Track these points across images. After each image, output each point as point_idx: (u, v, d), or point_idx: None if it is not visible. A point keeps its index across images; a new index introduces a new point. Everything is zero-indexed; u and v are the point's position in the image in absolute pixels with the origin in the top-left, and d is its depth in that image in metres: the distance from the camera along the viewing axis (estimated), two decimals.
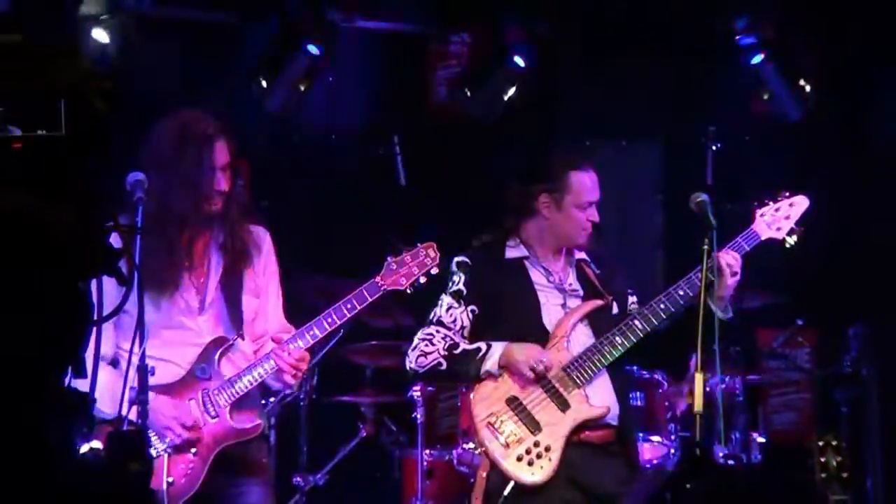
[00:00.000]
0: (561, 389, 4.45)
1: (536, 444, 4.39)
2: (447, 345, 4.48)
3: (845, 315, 6.53)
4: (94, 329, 2.96)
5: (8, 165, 2.55)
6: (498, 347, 4.45)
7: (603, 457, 4.48)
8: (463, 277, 4.56)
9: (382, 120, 7.23)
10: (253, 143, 4.47)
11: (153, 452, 4.08)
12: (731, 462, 6.08)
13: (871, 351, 6.41)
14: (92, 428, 2.93)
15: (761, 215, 4.68)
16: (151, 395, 4.01)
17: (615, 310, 4.63)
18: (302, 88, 6.94)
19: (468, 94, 7.19)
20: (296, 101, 6.95)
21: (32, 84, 2.56)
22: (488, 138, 7.24)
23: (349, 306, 4.25)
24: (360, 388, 6.66)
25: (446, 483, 6.11)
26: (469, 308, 4.55)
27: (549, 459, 4.38)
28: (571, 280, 4.65)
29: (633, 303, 4.69)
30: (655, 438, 5.88)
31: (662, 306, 4.52)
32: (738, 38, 7.05)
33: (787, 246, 4.66)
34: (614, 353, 4.48)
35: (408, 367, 4.57)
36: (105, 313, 2.95)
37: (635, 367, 5.78)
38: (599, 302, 4.59)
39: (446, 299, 4.56)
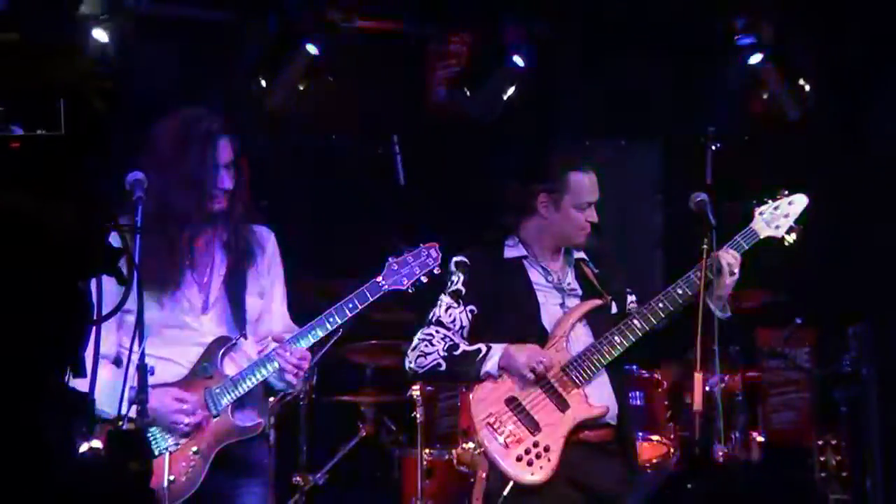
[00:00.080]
0: (560, 389, 4.45)
1: (536, 445, 4.40)
2: (447, 345, 4.49)
3: (845, 314, 6.54)
4: (94, 328, 2.96)
5: (7, 165, 2.55)
6: (498, 349, 4.45)
7: (602, 456, 4.48)
8: (462, 277, 4.56)
9: (382, 120, 7.24)
10: (252, 143, 4.47)
11: (157, 451, 4.08)
12: (730, 460, 6.09)
13: (871, 350, 6.42)
14: (92, 428, 2.93)
15: (760, 214, 4.68)
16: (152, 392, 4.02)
17: (614, 309, 4.63)
18: (301, 88, 6.94)
19: (467, 93, 7.19)
20: (295, 101, 6.95)
21: (30, 83, 2.56)
22: (487, 138, 7.24)
23: (350, 306, 4.25)
24: (360, 387, 6.67)
25: (446, 482, 6.11)
26: (468, 308, 4.55)
27: (549, 459, 4.38)
28: (570, 279, 4.65)
29: (631, 302, 4.70)
30: (655, 438, 5.88)
31: (661, 306, 4.52)
32: (737, 37, 7.05)
33: (787, 244, 4.67)
34: (613, 352, 4.49)
35: (407, 367, 4.58)
36: (107, 312, 2.95)
37: (635, 367, 5.78)
38: (598, 301, 4.59)
39: (445, 299, 4.56)
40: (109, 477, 2.90)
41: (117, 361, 4.09)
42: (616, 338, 4.49)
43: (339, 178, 7.20)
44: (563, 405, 4.44)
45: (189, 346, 4.19)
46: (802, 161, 7.00)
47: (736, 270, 4.49)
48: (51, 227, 2.55)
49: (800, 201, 4.70)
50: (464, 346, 4.49)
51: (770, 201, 4.70)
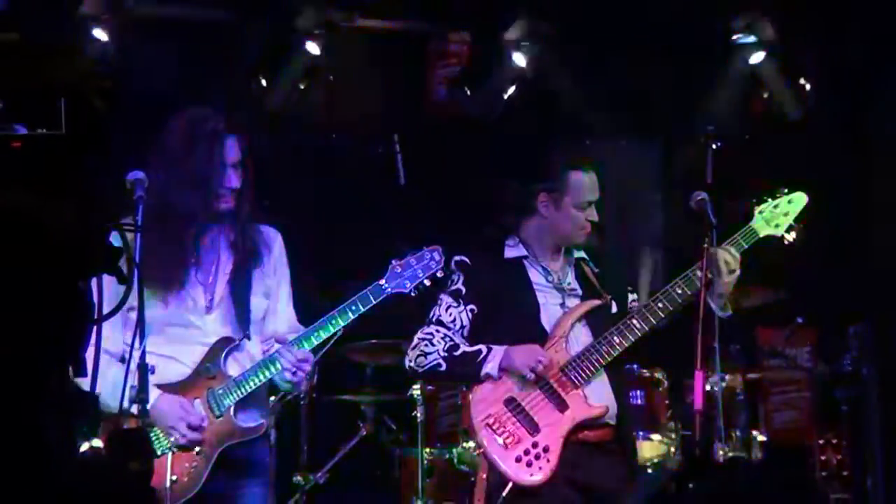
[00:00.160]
0: (559, 390, 4.45)
1: (535, 445, 4.39)
2: (447, 345, 4.48)
3: (845, 314, 6.54)
4: (95, 327, 2.96)
5: (7, 164, 2.55)
6: (498, 351, 4.45)
7: (601, 456, 4.48)
8: (462, 277, 4.56)
9: (382, 119, 7.24)
10: (252, 142, 4.48)
11: (158, 450, 4.08)
12: (732, 460, 6.09)
13: (872, 350, 6.42)
14: (95, 427, 2.93)
15: (760, 212, 4.68)
16: (156, 393, 4.02)
17: (614, 309, 4.63)
18: (301, 87, 6.94)
19: (468, 93, 7.19)
20: (295, 100, 6.95)
21: (31, 83, 2.56)
22: (488, 137, 7.24)
23: (353, 308, 4.26)
24: (361, 386, 6.67)
25: (446, 481, 6.11)
26: (468, 307, 4.55)
27: (548, 460, 4.38)
28: (570, 279, 4.65)
29: (633, 301, 4.69)
30: (655, 437, 5.89)
31: (661, 305, 4.52)
32: (737, 37, 7.05)
33: (786, 243, 4.66)
34: (612, 352, 4.48)
35: (407, 366, 4.57)
36: (108, 311, 2.96)
37: (635, 366, 5.79)
38: (598, 302, 4.59)
39: (446, 298, 4.56)
40: (110, 476, 2.90)
41: (123, 359, 4.09)
42: (615, 338, 4.49)
43: (340, 178, 7.20)
44: (562, 405, 4.44)
45: (193, 346, 4.19)
46: (803, 160, 7.00)
47: (736, 268, 4.49)
48: (51, 227, 2.55)
49: (799, 200, 4.70)
50: (464, 347, 4.49)
51: (770, 200, 4.69)
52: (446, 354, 4.47)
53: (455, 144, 7.33)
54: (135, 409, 3.75)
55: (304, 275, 4.50)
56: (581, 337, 4.54)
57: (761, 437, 6.45)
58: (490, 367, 4.44)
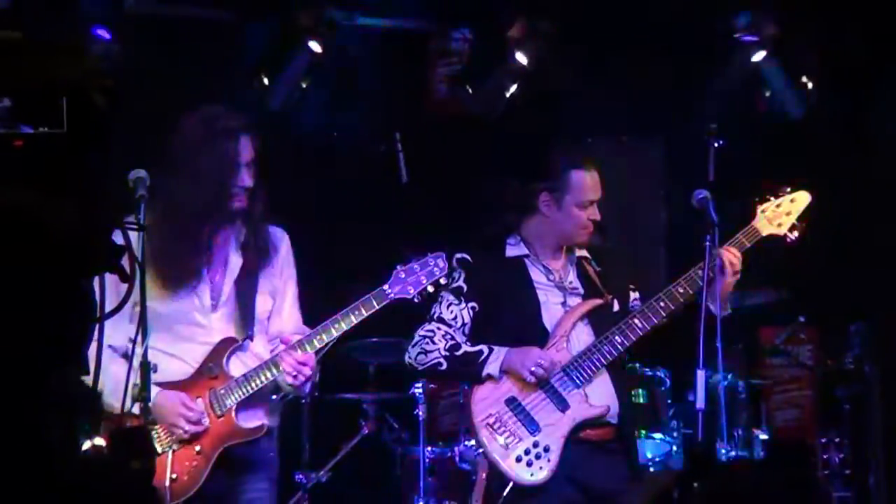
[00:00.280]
0: (560, 389, 4.45)
1: (535, 445, 4.39)
2: (448, 344, 4.48)
3: (847, 312, 6.54)
4: (98, 326, 2.96)
5: (9, 163, 2.55)
6: (500, 352, 4.45)
7: (602, 455, 4.48)
8: (463, 274, 4.56)
9: (384, 117, 7.24)
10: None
11: (159, 448, 4.09)
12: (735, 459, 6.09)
13: (873, 348, 6.41)
14: (97, 425, 2.93)
15: (762, 211, 4.67)
16: (156, 390, 4.03)
17: (616, 307, 4.63)
18: (303, 86, 6.94)
19: (469, 91, 7.19)
20: (297, 99, 6.95)
21: (32, 81, 2.56)
22: (489, 135, 7.23)
23: (357, 313, 4.26)
24: (362, 385, 6.67)
25: (448, 480, 6.11)
26: (469, 305, 4.54)
27: (549, 460, 4.37)
28: (572, 278, 4.64)
29: (634, 299, 4.69)
30: (658, 435, 5.89)
31: (662, 304, 4.52)
32: (739, 35, 7.04)
33: (789, 241, 4.66)
34: (614, 352, 4.48)
35: (407, 362, 4.57)
36: (120, 309, 2.97)
37: (638, 365, 5.79)
38: (599, 301, 4.58)
39: (447, 296, 4.55)
40: (112, 475, 2.90)
41: (127, 355, 4.10)
42: (616, 337, 4.49)
43: (341, 176, 7.21)
44: (562, 405, 4.43)
45: (197, 344, 4.20)
46: (805, 158, 6.99)
47: (739, 268, 4.49)
48: (53, 225, 2.55)
49: (802, 199, 4.69)
50: (465, 347, 4.48)
51: (772, 199, 4.69)
52: (447, 353, 4.47)
53: (456, 143, 7.33)
54: (137, 408, 3.75)
55: (305, 273, 4.50)
56: (582, 336, 4.53)
57: (763, 436, 6.44)
58: (491, 368, 4.44)
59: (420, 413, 6.12)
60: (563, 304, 4.57)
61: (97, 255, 2.69)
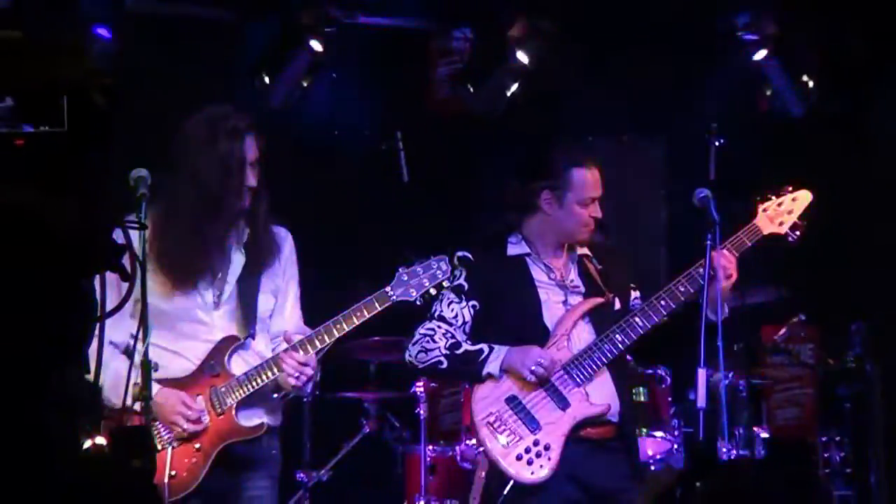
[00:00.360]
0: (561, 388, 4.45)
1: (536, 443, 4.39)
2: (449, 343, 4.48)
3: (848, 311, 6.53)
4: (98, 325, 2.97)
5: (10, 162, 2.55)
6: (500, 351, 4.44)
7: (603, 453, 4.48)
8: (464, 272, 4.56)
9: (385, 116, 7.24)
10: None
11: (159, 444, 4.10)
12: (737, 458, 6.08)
13: (875, 347, 6.41)
14: (98, 423, 2.94)
15: (764, 210, 4.67)
16: (157, 387, 4.03)
17: (617, 306, 4.63)
18: (304, 85, 6.94)
19: (470, 90, 7.19)
20: (298, 98, 6.95)
21: (33, 80, 2.56)
22: (491, 134, 7.23)
23: (358, 314, 4.27)
24: (364, 384, 6.67)
25: (449, 479, 6.11)
26: (470, 303, 4.54)
27: (549, 458, 4.37)
28: (573, 276, 4.64)
29: (635, 298, 4.69)
30: (659, 434, 5.89)
31: (663, 303, 4.51)
32: (740, 34, 7.04)
33: (790, 240, 4.65)
34: (615, 350, 4.48)
35: (407, 360, 4.57)
36: (121, 307, 2.97)
37: (637, 364, 5.78)
38: (600, 299, 4.58)
39: (448, 294, 4.55)
40: (113, 473, 2.90)
41: (128, 351, 4.12)
42: (617, 335, 4.49)
43: (342, 175, 7.20)
44: (563, 404, 4.43)
45: (199, 342, 4.21)
46: (805, 157, 6.99)
47: (733, 272, 4.47)
48: (54, 224, 2.55)
49: (804, 197, 4.69)
50: (466, 346, 4.48)
51: (774, 197, 4.68)
52: (448, 352, 4.47)
53: (457, 142, 7.33)
54: (137, 406, 3.76)
55: (306, 273, 4.51)
56: (583, 334, 4.53)
57: (764, 435, 6.44)
58: (492, 367, 4.44)
59: (421, 412, 6.12)
60: (565, 302, 4.57)
61: (98, 254, 2.69)
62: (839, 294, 6.83)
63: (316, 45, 6.86)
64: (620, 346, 4.48)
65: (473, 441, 5.55)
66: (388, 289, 4.31)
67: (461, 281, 4.55)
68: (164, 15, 6.76)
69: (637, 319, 4.50)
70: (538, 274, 4.59)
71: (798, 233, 4.66)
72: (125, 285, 2.94)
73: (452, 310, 4.54)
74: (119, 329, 4.05)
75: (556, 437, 4.39)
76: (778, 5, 7.02)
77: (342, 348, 6.03)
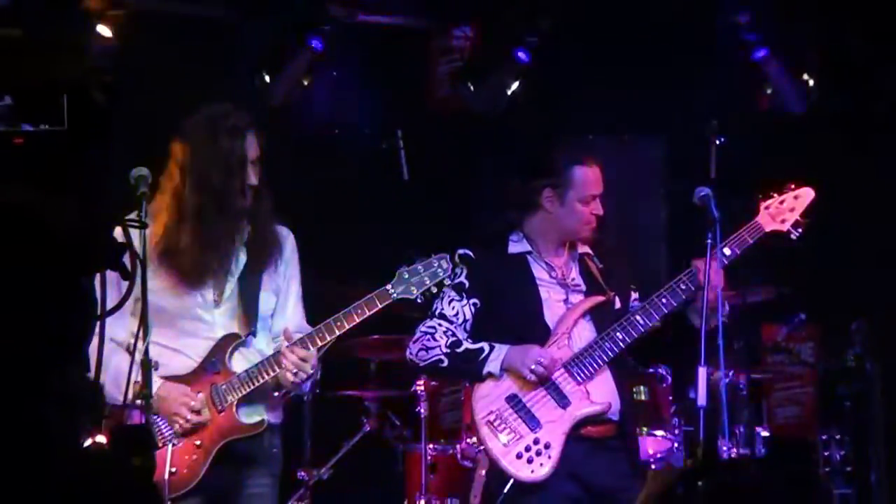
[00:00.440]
0: (561, 386, 4.45)
1: (536, 442, 4.39)
2: (449, 341, 4.48)
3: (849, 310, 6.53)
4: (99, 323, 2.97)
5: (10, 160, 2.55)
6: (501, 350, 4.45)
7: (604, 451, 4.48)
8: (465, 270, 4.56)
9: (385, 115, 7.23)
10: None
11: (160, 441, 4.10)
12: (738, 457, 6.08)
13: (875, 346, 6.40)
14: (99, 421, 2.94)
15: (766, 207, 4.66)
16: (158, 381, 4.04)
17: (617, 305, 4.63)
18: (305, 83, 6.94)
19: (471, 88, 7.18)
20: (298, 96, 6.95)
21: (33, 79, 2.56)
22: (491, 133, 7.23)
23: (359, 312, 4.28)
24: (364, 382, 6.66)
25: (450, 477, 6.11)
26: (471, 301, 4.54)
27: (549, 457, 4.38)
28: (574, 275, 4.64)
29: (634, 300, 4.69)
30: (659, 433, 5.88)
31: (664, 301, 4.52)
32: (740, 32, 7.03)
33: (793, 238, 4.65)
34: (616, 348, 4.48)
35: (408, 358, 4.58)
36: (121, 306, 2.97)
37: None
38: (601, 298, 4.58)
39: (448, 292, 4.56)
40: (113, 471, 2.90)
41: (130, 349, 4.12)
42: (618, 334, 4.49)
43: (343, 174, 7.20)
44: (563, 402, 4.44)
45: (200, 340, 4.22)
46: (806, 156, 6.99)
47: (718, 284, 4.46)
48: (53, 223, 2.55)
49: (806, 195, 4.68)
50: (467, 344, 4.48)
51: (776, 195, 4.68)
52: (448, 350, 4.47)
53: (458, 140, 7.32)
54: (139, 404, 3.77)
55: (306, 271, 4.51)
56: (584, 333, 4.53)
57: (764, 433, 6.44)
58: (492, 366, 4.44)
59: (422, 410, 6.11)
60: (566, 301, 4.57)
61: (98, 252, 2.69)
62: (840, 293, 6.82)
63: (316, 44, 6.86)
64: (621, 344, 4.48)
65: (474, 439, 5.54)
66: (388, 286, 4.32)
67: (462, 279, 4.55)
68: (164, 13, 6.76)
69: (638, 317, 4.50)
70: (539, 272, 4.59)
71: (800, 230, 4.66)
72: (125, 284, 2.95)
73: (453, 308, 4.54)
74: (120, 327, 4.06)
75: (557, 435, 4.39)
76: (778, 4, 7.02)
77: (343, 346, 6.03)
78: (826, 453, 6.26)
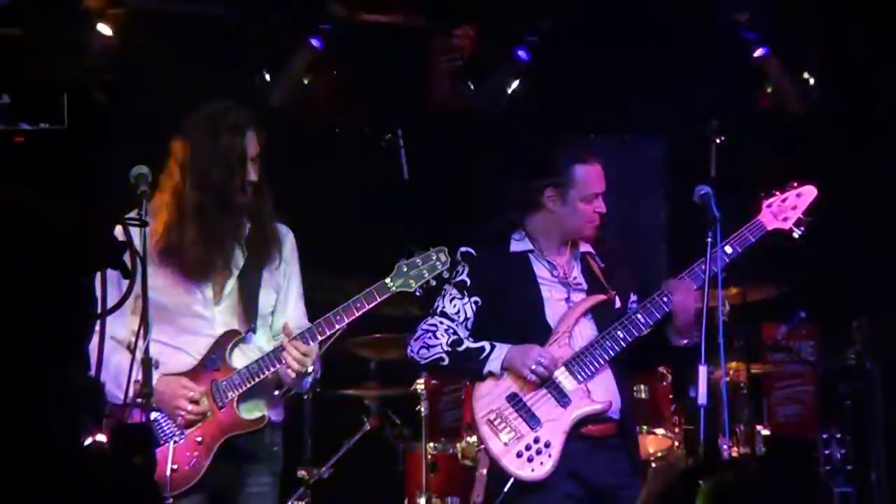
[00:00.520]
0: (562, 385, 4.45)
1: (536, 441, 4.39)
2: (450, 339, 4.48)
3: (849, 308, 6.52)
4: (100, 321, 2.97)
5: (10, 159, 2.55)
6: (502, 349, 4.44)
7: (604, 450, 4.48)
8: (467, 268, 4.56)
9: (385, 113, 7.23)
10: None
11: (162, 439, 4.11)
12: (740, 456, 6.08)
13: (875, 344, 6.40)
14: (100, 420, 2.94)
15: (768, 206, 4.66)
16: (157, 377, 4.05)
17: (618, 304, 4.63)
18: (305, 82, 6.94)
19: (471, 87, 7.18)
20: (298, 96, 6.95)
21: (33, 77, 2.56)
22: (491, 132, 7.23)
23: (358, 305, 4.29)
24: (365, 381, 6.66)
25: (450, 476, 6.11)
26: (472, 299, 4.55)
27: (549, 455, 4.38)
28: (576, 274, 4.64)
29: (632, 302, 4.68)
30: (659, 431, 5.88)
31: (665, 300, 4.51)
32: (740, 31, 7.03)
33: (795, 236, 4.64)
34: (616, 347, 4.48)
35: (408, 356, 4.58)
36: (121, 305, 2.97)
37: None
38: (602, 297, 4.58)
39: (450, 290, 4.56)
40: (113, 470, 2.90)
41: (130, 347, 4.13)
42: (619, 333, 4.49)
43: (343, 172, 7.20)
44: (564, 401, 4.43)
45: (200, 337, 4.23)
46: (806, 154, 6.98)
47: (688, 307, 4.45)
48: (53, 222, 2.55)
49: (808, 193, 4.67)
50: (468, 343, 4.48)
51: (778, 193, 4.67)
52: (449, 349, 4.47)
53: (458, 139, 7.32)
54: (138, 403, 3.77)
55: (306, 270, 4.51)
56: (586, 331, 4.53)
57: (765, 432, 6.44)
58: (493, 366, 4.44)
59: (422, 409, 6.11)
60: (567, 300, 4.57)
61: (99, 251, 2.69)
62: (840, 291, 6.82)
63: (317, 43, 6.86)
64: (622, 342, 4.48)
65: (474, 438, 5.54)
66: (387, 280, 4.33)
67: (464, 277, 4.55)
68: (164, 12, 6.76)
69: (639, 316, 4.50)
70: (541, 270, 4.59)
71: (803, 228, 4.65)
72: (126, 282, 2.95)
73: (455, 306, 4.54)
74: (120, 325, 4.07)
75: (557, 434, 4.39)
76: (778, 2, 7.01)
77: (343, 345, 6.04)
78: (826, 452, 6.25)
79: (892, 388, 6.45)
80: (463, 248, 4.59)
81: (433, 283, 4.39)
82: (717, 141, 6.54)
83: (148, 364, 3.80)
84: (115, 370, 3.94)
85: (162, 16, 6.73)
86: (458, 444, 5.99)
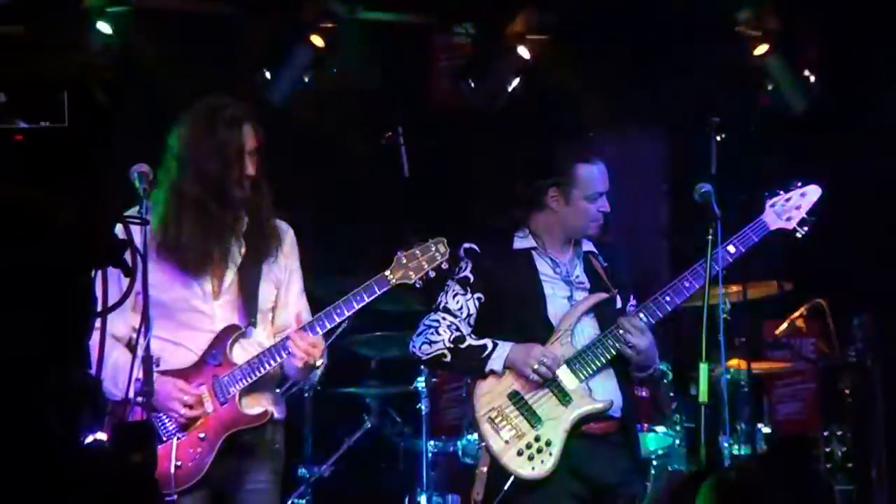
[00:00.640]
0: (563, 383, 4.45)
1: (537, 439, 4.39)
2: (453, 336, 4.48)
3: (850, 306, 6.52)
4: (101, 319, 2.97)
5: (10, 157, 2.55)
6: (504, 347, 4.44)
7: (605, 448, 4.48)
8: (470, 264, 4.57)
9: (386, 111, 7.22)
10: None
11: (165, 437, 4.11)
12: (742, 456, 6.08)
13: (876, 341, 6.40)
14: (101, 416, 2.94)
15: (771, 205, 4.64)
16: (155, 376, 4.05)
17: (619, 303, 4.62)
18: (305, 80, 6.94)
19: (472, 85, 7.18)
20: (299, 93, 6.94)
21: (34, 75, 2.56)
22: (491, 129, 7.23)
23: (358, 298, 4.29)
24: (365, 378, 6.67)
25: (450, 474, 6.11)
26: (475, 296, 4.55)
27: (550, 454, 4.37)
28: (578, 272, 4.64)
29: (631, 305, 4.68)
30: (660, 429, 5.88)
31: (668, 298, 4.52)
32: (741, 29, 7.03)
33: (798, 236, 4.62)
34: (618, 346, 4.48)
35: (410, 351, 4.58)
36: (122, 303, 2.98)
37: None
38: (604, 295, 4.58)
39: (453, 286, 4.56)
40: (114, 468, 2.90)
41: (130, 344, 4.13)
42: (621, 331, 4.48)
43: (343, 170, 7.20)
44: (565, 399, 4.43)
45: (200, 332, 4.23)
46: (807, 152, 6.98)
47: (637, 343, 4.43)
48: (54, 220, 2.55)
49: (813, 193, 4.65)
50: (470, 340, 4.48)
51: (782, 193, 4.66)
52: (452, 346, 4.47)
53: (458, 137, 7.32)
54: (139, 401, 3.78)
55: (306, 268, 4.51)
56: (588, 329, 4.53)
57: (766, 429, 6.44)
58: (495, 364, 4.44)
59: (423, 407, 6.12)
60: (569, 298, 4.57)
61: (99, 249, 2.69)
62: (840, 289, 6.82)
63: (317, 41, 6.85)
64: (624, 341, 4.47)
65: (475, 436, 5.54)
66: (387, 272, 4.33)
67: (467, 273, 4.55)
68: (165, 10, 6.75)
69: (641, 315, 4.50)
70: (544, 268, 4.59)
71: (806, 228, 4.64)
72: (125, 280, 2.95)
73: (458, 302, 4.54)
74: (120, 322, 4.07)
75: (558, 432, 4.39)
76: (778, 2, 7.01)
77: (344, 343, 6.04)
78: (827, 449, 6.26)
79: (893, 385, 6.45)
80: (466, 245, 4.59)
81: (432, 274, 4.38)
82: (719, 138, 6.54)
83: (149, 362, 3.79)
84: (113, 368, 3.94)
85: (162, 14, 6.72)
86: (458, 442, 6.00)
